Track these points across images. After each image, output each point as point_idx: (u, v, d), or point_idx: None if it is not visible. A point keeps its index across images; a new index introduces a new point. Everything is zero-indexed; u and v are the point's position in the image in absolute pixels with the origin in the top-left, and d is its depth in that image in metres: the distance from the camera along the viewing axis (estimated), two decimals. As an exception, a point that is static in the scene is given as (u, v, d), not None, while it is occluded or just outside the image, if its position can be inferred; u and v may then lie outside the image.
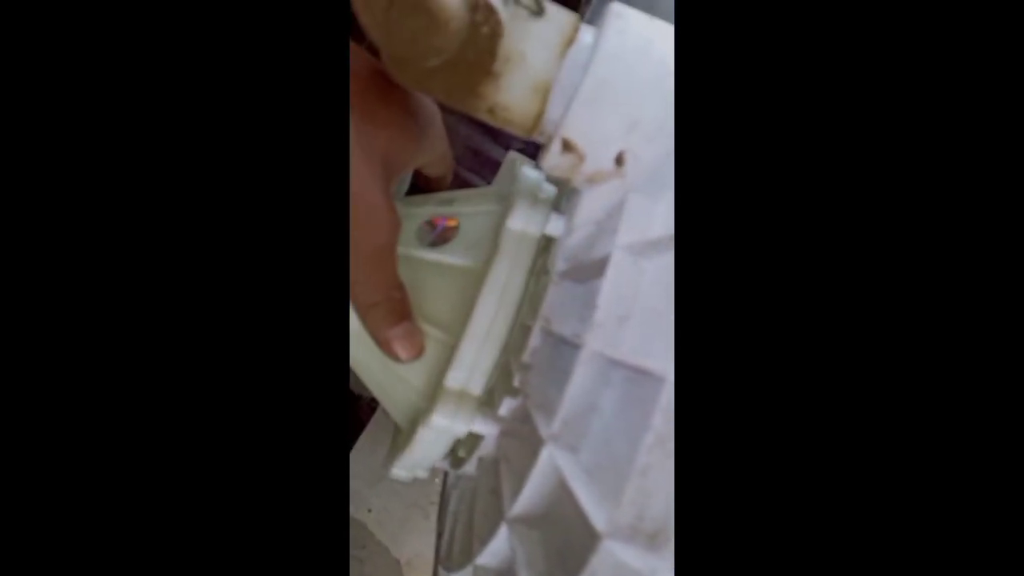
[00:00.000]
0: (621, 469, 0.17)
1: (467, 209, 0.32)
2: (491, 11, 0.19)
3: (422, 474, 0.32)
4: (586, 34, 0.22)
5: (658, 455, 0.16)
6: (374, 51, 0.25)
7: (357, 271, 0.26)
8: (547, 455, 0.22)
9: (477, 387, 0.28)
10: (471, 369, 0.28)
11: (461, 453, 0.33)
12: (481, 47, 0.20)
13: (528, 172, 0.32)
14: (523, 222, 0.28)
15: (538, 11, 0.22)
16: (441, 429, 0.28)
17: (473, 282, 0.29)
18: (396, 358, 0.28)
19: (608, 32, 0.21)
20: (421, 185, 0.34)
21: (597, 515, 0.17)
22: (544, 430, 0.22)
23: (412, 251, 0.30)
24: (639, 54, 0.21)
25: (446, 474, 0.36)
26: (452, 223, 0.32)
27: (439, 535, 0.35)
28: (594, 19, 0.23)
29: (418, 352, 0.28)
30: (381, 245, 0.26)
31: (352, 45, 0.25)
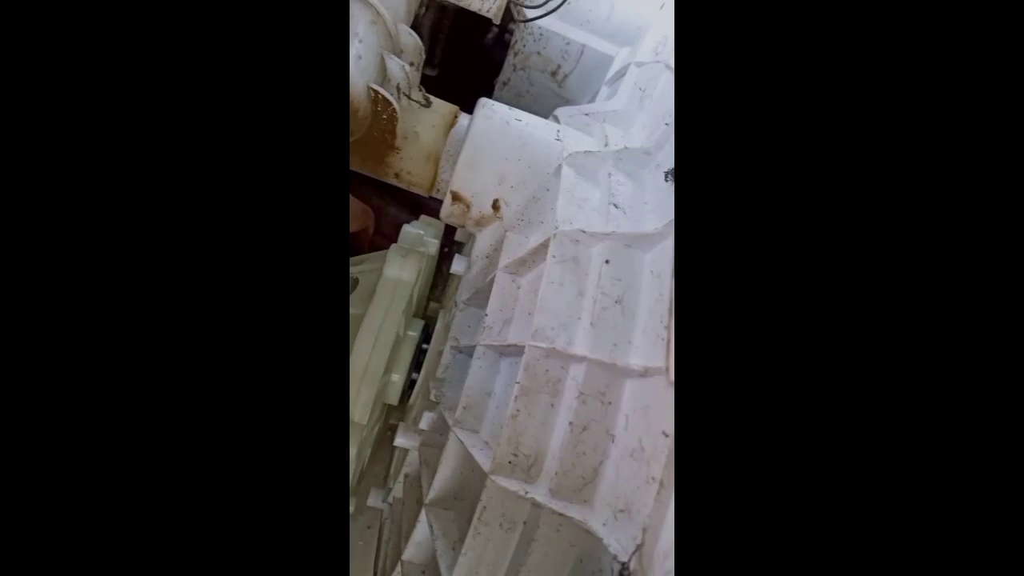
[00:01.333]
0: (502, 423, 0.22)
1: (366, 267, 0.38)
2: (388, 103, 0.26)
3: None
4: (463, 118, 0.31)
5: (524, 403, 0.22)
6: None
7: None
8: (453, 438, 0.26)
9: (360, 416, 0.32)
10: (354, 402, 0.32)
11: (390, 484, 0.36)
12: (383, 129, 0.28)
13: (408, 230, 0.39)
14: (397, 270, 0.34)
15: (426, 104, 0.30)
16: None
17: (359, 326, 0.34)
18: None
19: (478, 116, 0.30)
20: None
21: (486, 462, 0.22)
22: (450, 419, 0.27)
23: None
24: (501, 130, 0.30)
25: (381, 514, 0.39)
26: (353, 282, 0.38)
27: (375, 561, 0.36)
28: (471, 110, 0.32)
29: None
30: None
31: None
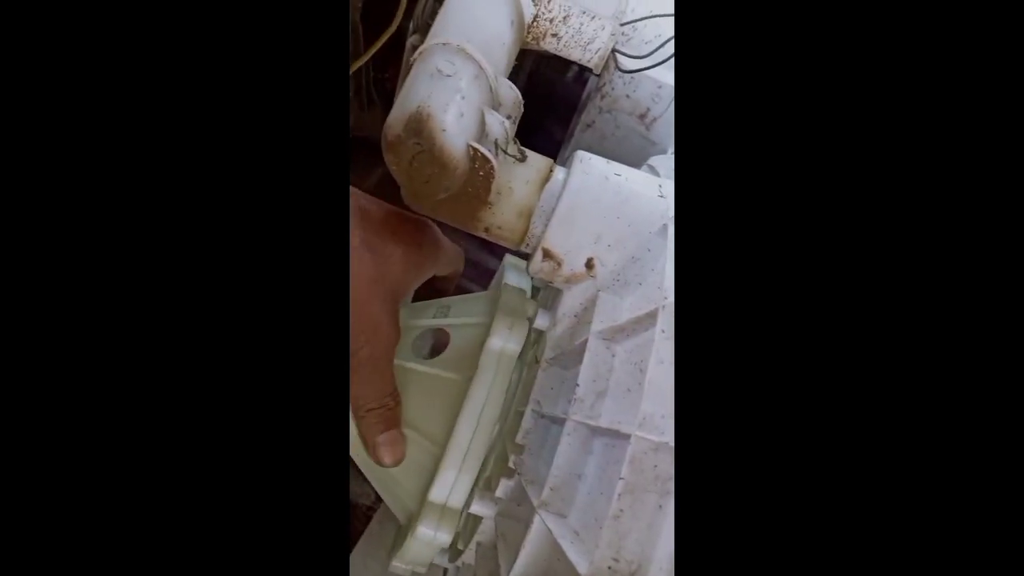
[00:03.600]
0: (600, 520, 0.20)
1: (460, 320, 0.36)
2: (486, 160, 0.25)
3: (420, 569, 0.33)
4: (559, 173, 0.29)
5: (628, 501, 0.19)
6: (381, 185, 0.31)
7: (357, 379, 0.29)
8: (539, 521, 0.24)
9: (457, 501, 0.30)
10: (451, 486, 0.30)
11: (460, 546, 0.34)
12: (478, 185, 0.27)
13: (511, 287, 0.36)
14: (503, 340, 0.32)
15: (521, 158, 0.29)
16: (426, 539, 0.30)
17: (457, 393, 0.32)
18: (380, 462, 0.31)
19: (575, 171, 0.28)
20: (433, 286, 0.39)
21: (581, 563, 0.20)
22: (535, 499, 0.24)
23: (407, 363, 0.33)
24: (599, 186, 0.28)
25: (444, 573, 0.37)
26: (444, 337, 0.36)
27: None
28: (566, 163, 0.30)
29: (400, 459, 0.31)
30: (379, 356, 0.30)
31: (363, 193, 0.31)
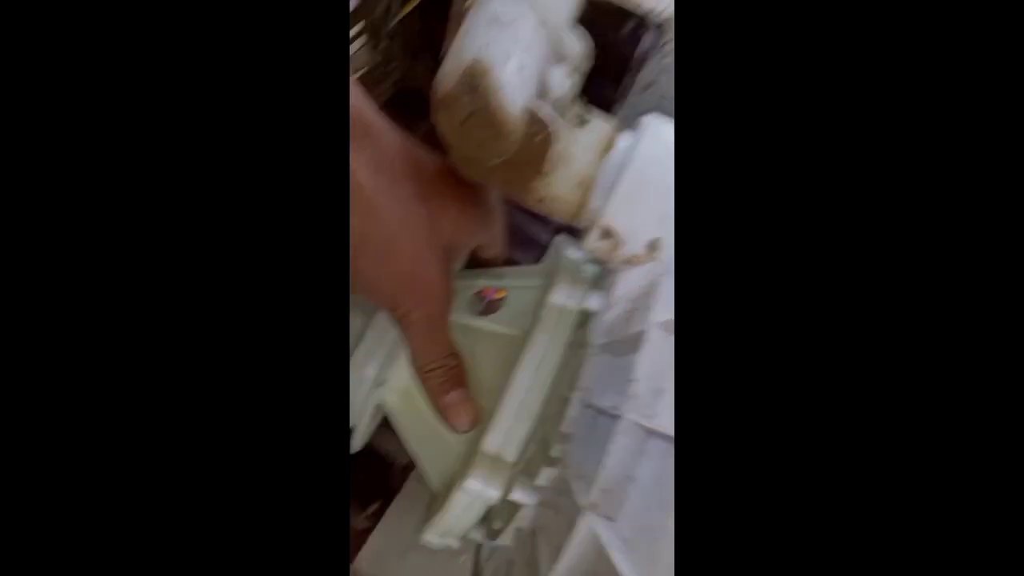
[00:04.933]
0: (656, 536, 0.18)
1: (515, 283, 0.35)
2: (544, 124, 0.22)
3: (454, 543, 0.32)
4: (623, 140, 0.26)
5: (695, 521, 0.17)
6: (427, 141, 0.29)
7: (415, 339, 0.28)
8: (585, 524, 0.22)
9: (511, 454, 0.29)
10: (506, 435, 0.29)
11: (496, 524, 0.33)
12: (534, 152, 0.24)
13: (571, 254, 0.35)
14: (563, 298, 0.30)
15: (583, 122, 0.25)
16: (474, 493, 0.28)
17: (514, 350, 0.30)
18: (455, 428, 0.29)
19: (644, 139, 0.25)
20: (475, 265, 0.37)
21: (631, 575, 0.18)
22: (582, 499, 0.23)
23: (461, 319, 0.32)
24: (670, 159, 0.25)
25: (478, 549, 0.36)
26: (500, 294, 0.34)
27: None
28: (630, 127, 0.27)
29: (474, 421, 0.30)
30: (436, 315, 0.29)
31: (417, 145, 0.29)
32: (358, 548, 0.48)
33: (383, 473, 0.52)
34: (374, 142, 0.25)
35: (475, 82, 0.20)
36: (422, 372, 0.29)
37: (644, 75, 0.50)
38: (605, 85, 0.55)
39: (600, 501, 0.22)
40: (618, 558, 0.19)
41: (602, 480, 0.22)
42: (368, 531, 0.49)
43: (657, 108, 0.30)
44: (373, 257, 0.26)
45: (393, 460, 0.52)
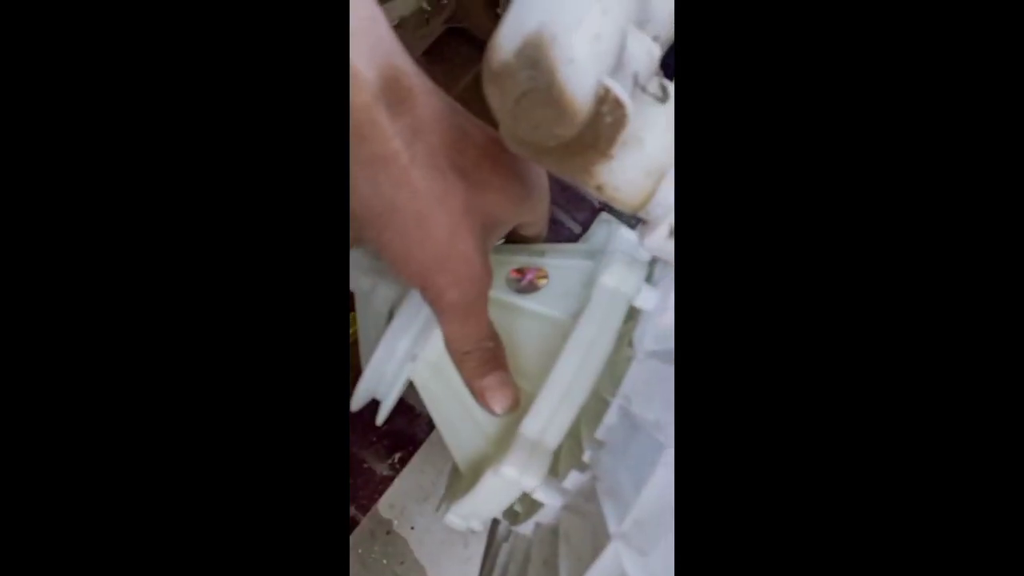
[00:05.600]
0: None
1: (557, 262, 0.32)
2: (618, 104, 0.18)
3: (476, 526, 0.32)
4: (709, 123, 0.21)
5: None
6: (466, 105, 0.26)
7: (450, 322, 0.26)
8: (613, 552, 0.21)
9: (552, 440, 0.27)
10: (549, 420, 0.26)
11: (517, 508, 0.32)
12: (602, 134, 0.20)
13: (625, 233, 0.31)
14: (618, 280, 0.27)
15: (663, 98, 0.21)
16: (509, 480, 0.26)
17: (559, 334, 0.28)
18: (491, 411, 0.28)
19: (735, 125, 0.21)
20: (512, 241, 0.35)
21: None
22: (614, 526, 0.21)
23: (500, 295, 0.30)
24: (766, 152, 0.20)
25: (495, 524, 0.36)
26: (541, 273, 0.31)
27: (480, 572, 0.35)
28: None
29: (512, 404, 0.28)
30: (472, 297, 0.26)
31: (463, 111, 0.25)
32: (380, 493, 0.50)
33: (409, 423, 0.53)
34: (412, 108, 0.22)
35: (537, 55, 0.17)
36: (458, 355, 0.27)
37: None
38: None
39: (633, 533, 0.21)
40: (648, 603, 0.18)
41: (638, 510, 0.21)
42: (391, 479, 0.51)
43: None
44: (402, 231, 0.23)
45: (420, 411, 0.53)
